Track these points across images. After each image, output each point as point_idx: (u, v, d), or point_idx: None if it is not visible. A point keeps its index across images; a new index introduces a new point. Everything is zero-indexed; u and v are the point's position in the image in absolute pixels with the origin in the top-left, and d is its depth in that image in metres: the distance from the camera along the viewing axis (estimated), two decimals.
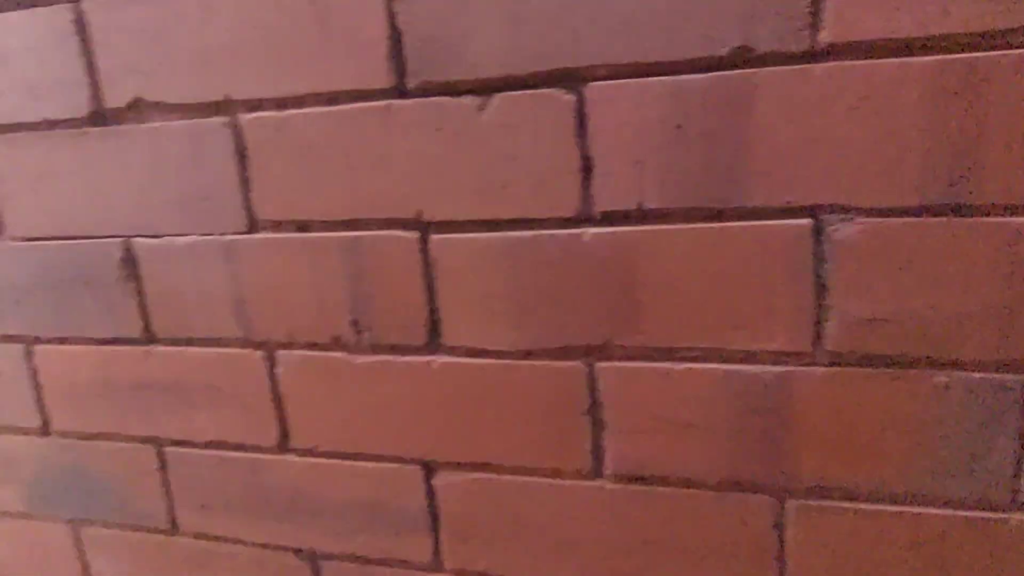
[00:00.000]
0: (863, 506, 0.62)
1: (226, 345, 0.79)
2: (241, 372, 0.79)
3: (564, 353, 0.67)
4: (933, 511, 0.61)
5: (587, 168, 0.62)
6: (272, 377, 0.77)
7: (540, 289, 0.66)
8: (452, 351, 0.70)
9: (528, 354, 0.68)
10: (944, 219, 0.56)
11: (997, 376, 0.57)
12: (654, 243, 0.62)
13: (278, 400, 0.78)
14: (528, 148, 0.63)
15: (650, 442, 0.66)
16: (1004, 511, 0.59)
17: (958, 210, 0.55)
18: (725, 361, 0.63)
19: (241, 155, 0.73)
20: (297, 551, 0.82)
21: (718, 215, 0.60)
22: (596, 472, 0.68)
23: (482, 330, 0.69)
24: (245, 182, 0.73)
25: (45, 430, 0.90)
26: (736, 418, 0.63)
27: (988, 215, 0.55)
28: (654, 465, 0.66)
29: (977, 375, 0.57)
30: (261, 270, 0.75)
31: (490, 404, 0.70)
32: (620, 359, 0.65)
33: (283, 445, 0.79)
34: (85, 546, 0.93)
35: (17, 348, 0.88)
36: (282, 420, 0.78)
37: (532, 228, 0.65)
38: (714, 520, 0.66)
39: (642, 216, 0.62)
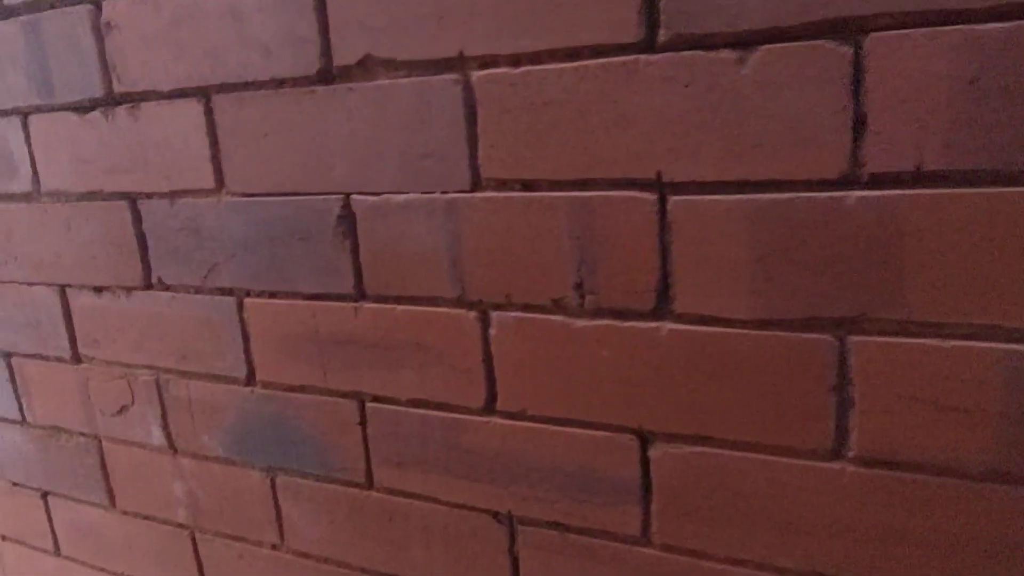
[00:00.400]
0: None
1: (438, 304, 0.79)
2: (452, 332, 0.79)
3: (809, 324, 0.63)
4: None
5: (858, 127, 0.58)
6: (484, 338, 0.77)
7: (788, 256, 0.63)
8: (681, 318, 0.68)
9: (766, 324, 0.65)
10: None
11: None
12: (930, 208, 0.57)
13: (488, 361, 0.78)
14: (791, 105, 0.60)
15: (905, 425, 0.61)
16: None
17: None
18: (1004, 340, 0.57)
19: (470, 112, 0.72)
20: (495, 514, 0.82)
21: (1009, 179, 0.55)
22: (837, 453, 0.64)
23: (717, 297, 0.66)
24: (472, 140, 0.73)
25: (250, 380, 0.94)
26: (1013, 403, 0.58)
27: None
28: (907, 450, 0.62)
29: None
30: (482, 229, 0.74)
31: (719, 375, 0.67)
32: (877, 334, 0.61)
33: (489, 407, 0.79)
34: (279, 494, 0.96)
35: (229, 301, 0.92)
36: (491, 381, 0.78)
37: (785, 190, 0.62)
38: (973, 513, 0.61)
39: (918, 179, 0.57)
